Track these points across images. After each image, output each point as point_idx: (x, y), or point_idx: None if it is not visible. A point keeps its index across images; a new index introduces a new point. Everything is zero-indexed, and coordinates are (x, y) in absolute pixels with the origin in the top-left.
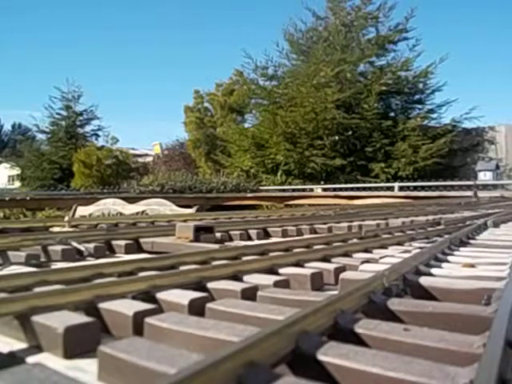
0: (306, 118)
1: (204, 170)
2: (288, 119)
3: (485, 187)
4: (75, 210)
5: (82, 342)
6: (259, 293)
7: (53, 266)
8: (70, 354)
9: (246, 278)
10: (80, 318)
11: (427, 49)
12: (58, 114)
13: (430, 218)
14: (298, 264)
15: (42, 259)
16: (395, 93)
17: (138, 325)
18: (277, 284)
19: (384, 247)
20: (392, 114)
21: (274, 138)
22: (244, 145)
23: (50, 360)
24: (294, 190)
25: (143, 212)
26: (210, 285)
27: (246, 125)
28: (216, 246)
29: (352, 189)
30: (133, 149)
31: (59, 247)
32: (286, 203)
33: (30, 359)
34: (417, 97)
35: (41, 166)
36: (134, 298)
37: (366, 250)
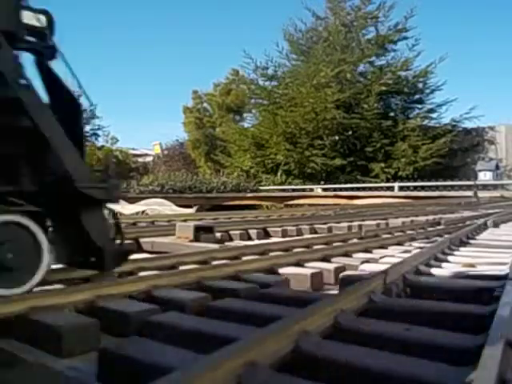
0: (306, 118)
1: (204, 170)
2: (288, 119)
3: (485, 187)
4: None
5: (82, 342)
6: (259, 292)
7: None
8: (70, 353)
9: (246, 277)
10: (80, 318)
11: (427, 49)
12: None
13: (430, 217)
14: (298, 264)
15: None
16: (395, 93)
17: (138, 325)
18: (277, 284)
19: (384, 247)
20: (392, 114)
21: (273, 138)
22: (244, 145)
23: (50, 360)
24: (293, 190)
25: (143, 212)
26: (210, 284)
27: (246, 124)
28: (216, 246)
29: (352, 189)
30: (133, 149)
31: None
32: (286, 203)
33: (30, 359)
34: (417, 96)
35: None
36: (133, 297)
37: (366, 250)
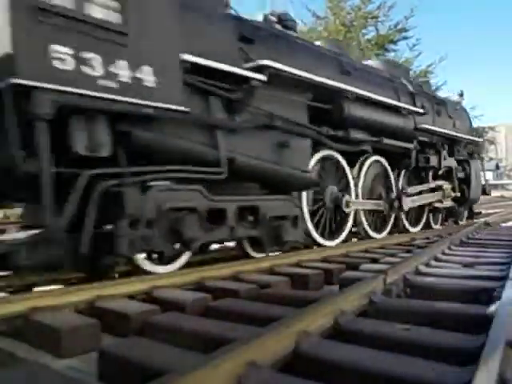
0: None
1: None
2: None
3: None
4: None
5: (82, 342)
6: (260, 292)
7: None
8: (70, 353)
9: (246, 277)
10: (80, 318)
11: (427, 48)
12: None
13: None
14: (298, 264)
15: None
16: None
17: (138, 325)
18: (277, 284)
19: (384, 247)
20: None
21: None
22: None
23: (50, 360)
24: None
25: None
26: (210, 284)
27: None
28: None
29: None
30: None
31: None
32: None
33: (31, 359)
34: None
35: None
36: (133, 298)
37: (367, 250)
